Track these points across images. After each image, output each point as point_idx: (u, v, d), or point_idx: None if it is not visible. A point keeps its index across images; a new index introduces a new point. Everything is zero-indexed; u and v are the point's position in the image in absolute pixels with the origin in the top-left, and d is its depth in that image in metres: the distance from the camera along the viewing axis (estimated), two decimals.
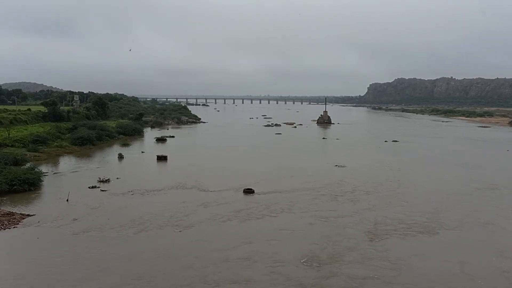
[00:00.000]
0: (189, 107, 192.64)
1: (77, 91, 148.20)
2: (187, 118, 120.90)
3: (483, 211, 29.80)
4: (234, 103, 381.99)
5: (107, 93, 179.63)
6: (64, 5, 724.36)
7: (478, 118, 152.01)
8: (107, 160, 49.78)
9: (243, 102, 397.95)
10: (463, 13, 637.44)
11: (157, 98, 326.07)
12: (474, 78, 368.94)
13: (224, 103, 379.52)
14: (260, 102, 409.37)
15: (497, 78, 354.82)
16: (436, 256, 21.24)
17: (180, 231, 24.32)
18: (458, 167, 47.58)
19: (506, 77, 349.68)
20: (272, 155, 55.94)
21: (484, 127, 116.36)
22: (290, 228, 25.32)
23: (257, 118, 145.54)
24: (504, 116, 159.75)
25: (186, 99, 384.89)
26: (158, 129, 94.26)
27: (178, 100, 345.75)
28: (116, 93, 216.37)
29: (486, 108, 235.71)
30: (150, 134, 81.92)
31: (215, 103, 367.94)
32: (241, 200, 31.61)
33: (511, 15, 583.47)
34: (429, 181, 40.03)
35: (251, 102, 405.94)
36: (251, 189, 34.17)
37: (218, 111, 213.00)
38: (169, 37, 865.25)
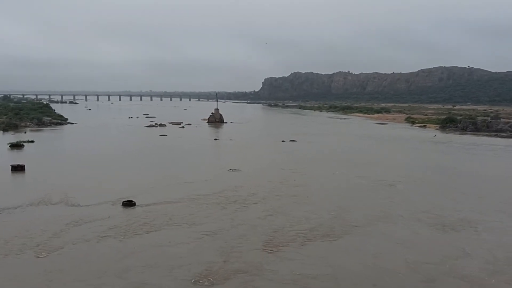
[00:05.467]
0: (53, 105, 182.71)
1: None
2: (50, 118, 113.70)
3: (383, 205, 33.74)
4: (109, 100, 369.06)
5: None
6: None
7: (376, 115, 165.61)
8: None
9: (120, 99, 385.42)
10: (353, 7, 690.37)
11: (10, 95, 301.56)
12: (371, 72, 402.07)
13: (97, 100, 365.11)
14: (141, 99, 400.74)
15: (393, 72, 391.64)
16: (356, 252, 24.00)
17: (45, 256, 22.90)
18: (355, 165, 51.51)
19: (402, 72, 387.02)
20: (156, 161, 55.15)
21: (382, 124, 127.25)
22: (181, 241, 25.32)
23: (137, 117, 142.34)
24: (400, 112, 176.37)
25: (49, 95, 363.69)
26: (12, 132, 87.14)
27: (39, 97, 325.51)
28: None
29: (383, 104, 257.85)
30: (2, 139, 75.53)
31: (86, 100, 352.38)
32: (120, 214, 30.73)
33: (402, 11, 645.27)
34: (328, 180, 43.23)
35: (130, 99, 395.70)
36: (131, 201, 33.35)
37: (90, 109, 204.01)
38: (22, 21, 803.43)
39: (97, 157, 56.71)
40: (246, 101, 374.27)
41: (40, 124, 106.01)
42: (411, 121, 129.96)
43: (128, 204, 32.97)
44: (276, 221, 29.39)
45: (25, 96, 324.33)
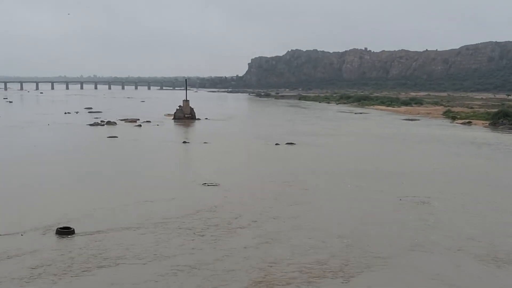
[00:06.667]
0: None
1: None
2: None
3: (414, 230, 33.97)
4: (37, 88, 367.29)
5: None
6: None
7: (403, 108, 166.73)
8: None
9: (53, 88, 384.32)
10: None
11: None
12: (397, 50, 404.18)
13: (21, 88, 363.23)
14: (82, 87, 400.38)
15: (426, 50, 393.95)
16: None
17: None
18: (375, 177, 51.81)
19: (438, 49, 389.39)
20: (103, 172, 54.88)
21: (411, 120, 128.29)
22: (147, 279, 25.38)
23: (77, 112, 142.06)
24: (436, 103, 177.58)
25: None
26: None
27: None
28: None
29: (413, 93, 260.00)
30: None
31: (5, 89, 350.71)
32: (56, 245, 30.61)
33: None
34: (339, 197, 43.48)
35: (67, 87, 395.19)
36: (69, 228, 33.26)
37: (11, 102, 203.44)
38: None
39: (20, 168, 56.41)
40: (226, 90, 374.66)
41: None
42: (451, 116, 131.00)
43: (65, 231, 32.82)
44: (272, 251, 29.42)
45: None
